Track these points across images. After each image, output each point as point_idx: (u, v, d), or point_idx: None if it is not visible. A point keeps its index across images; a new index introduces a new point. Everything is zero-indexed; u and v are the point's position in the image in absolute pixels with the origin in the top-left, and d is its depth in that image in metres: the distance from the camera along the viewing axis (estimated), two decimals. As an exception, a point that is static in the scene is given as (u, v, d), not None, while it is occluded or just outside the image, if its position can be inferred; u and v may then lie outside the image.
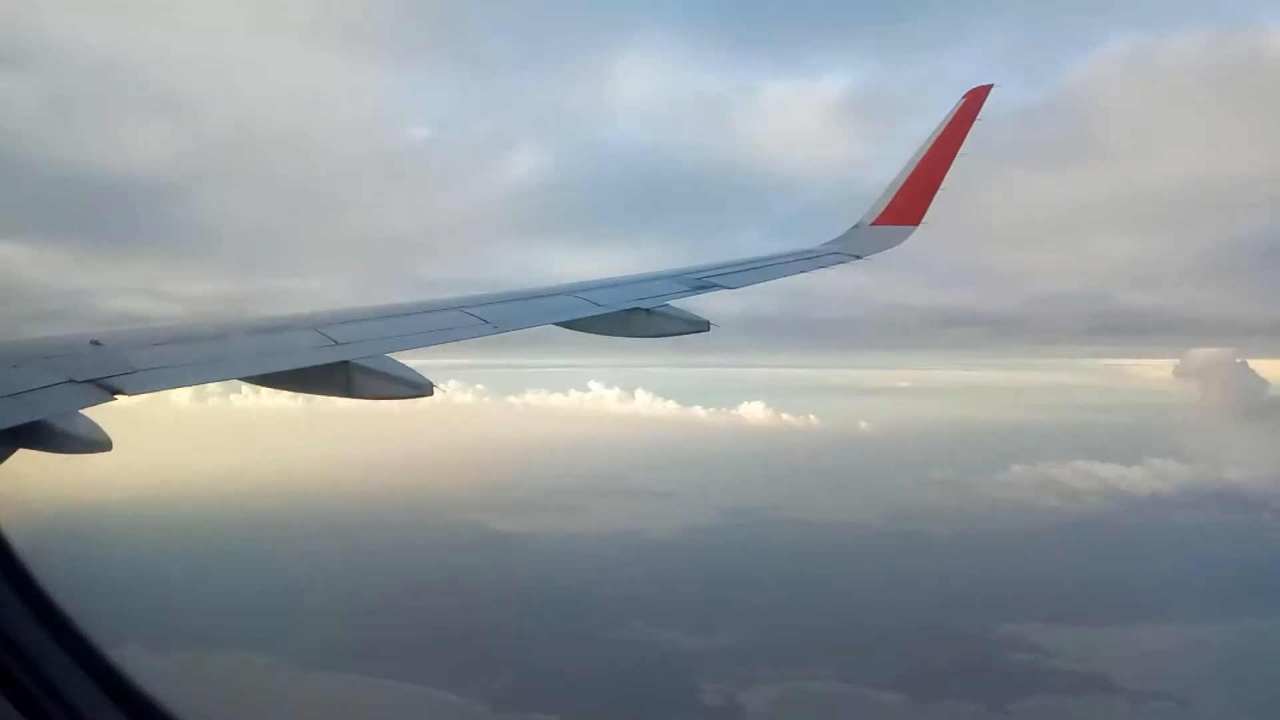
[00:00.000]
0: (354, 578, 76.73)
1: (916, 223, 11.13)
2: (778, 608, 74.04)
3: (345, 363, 6.02)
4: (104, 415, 5.61)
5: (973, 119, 10.95)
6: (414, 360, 6.25)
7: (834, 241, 11.14)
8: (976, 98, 11.09)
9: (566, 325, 7.61)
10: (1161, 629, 72.52)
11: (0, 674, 2.49)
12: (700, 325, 8.19)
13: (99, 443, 5.62)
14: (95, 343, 5.59)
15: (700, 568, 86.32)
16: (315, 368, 5.98)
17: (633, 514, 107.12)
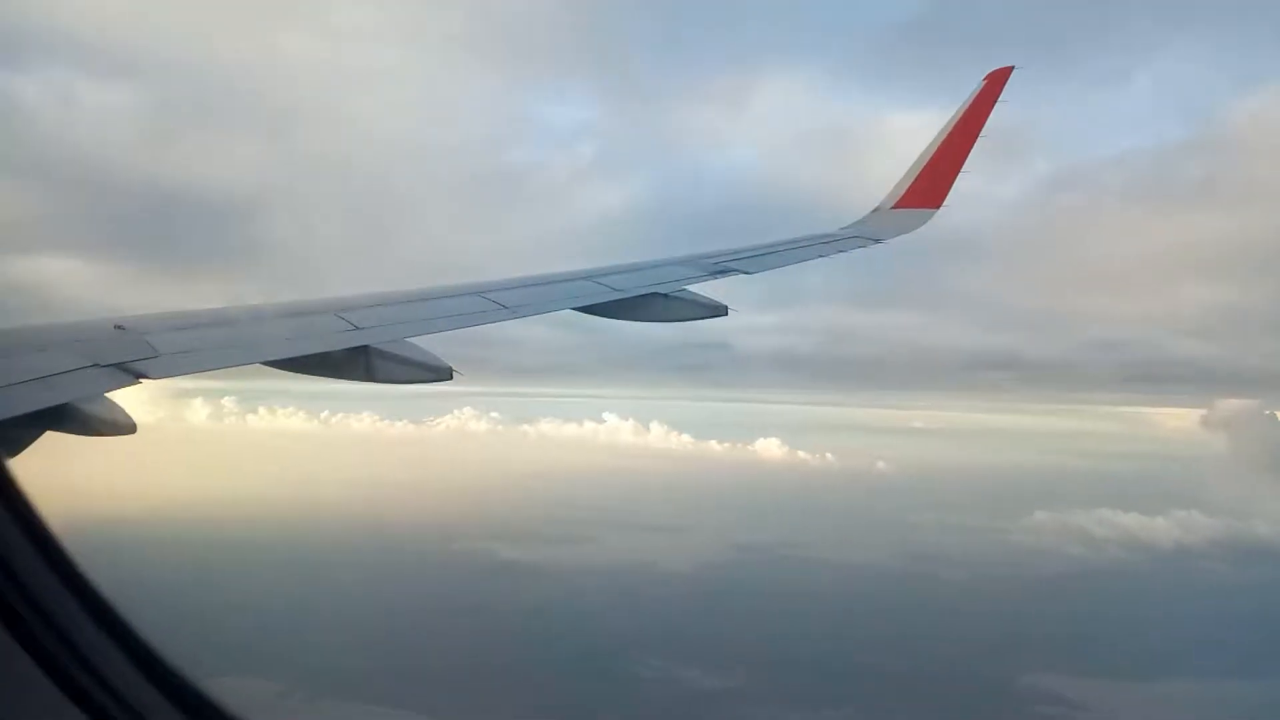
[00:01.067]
0: (364, 604, 76.38)
1: (938, 205, 11.01)
2: (795, 647, 72.83)
3: (366, 347, 6.06)
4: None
5: (994, 101, 10.84)
6: (434, 346, 6.25)
7: (854, 225, 11.03)
8: (998, 80, 10.99)
9: (585, 310, 7.59)
10: (1189, 684, 70.76)
11: (38, 648, 2.49)
12: (718, 310, 8.13)
13: (124, 425, 5.68)
14: (119, 327, 5.66)
15: (715, 604, 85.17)
16: (337, 352, 6.03)
17: (645, 547, 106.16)
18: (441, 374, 6.23)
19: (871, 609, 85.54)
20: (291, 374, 6.03)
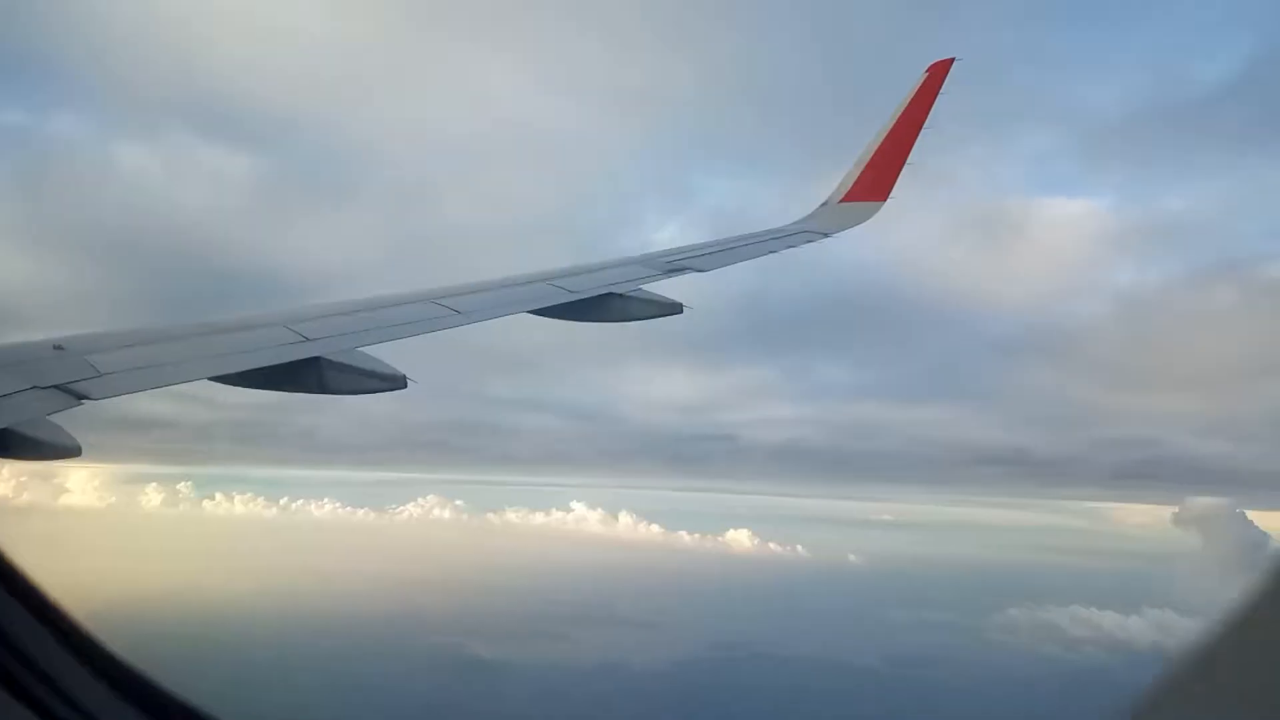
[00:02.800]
0: (327, 701, 73.46)
1: (884, 199, 11.05)
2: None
3: (317, 358, 5.94)
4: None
5: (936, 93, 10.93)
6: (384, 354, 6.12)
7: (802, 220, 11.03)
8: (939, 72, 11.08)
9: (540, 313, 7.53)
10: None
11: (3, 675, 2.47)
12: (673, 308, 8.12)
13: (68, 448, 5.49)
14: (59, 347, 5.50)
15: (695, 708, 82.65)
16: (286, 364, 5.88)
17: (617, 645, 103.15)
18: (395, 382, 6.12)
19: (854, 712, 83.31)
20: (242, 387, 5.87)
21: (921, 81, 11.12)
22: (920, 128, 10.92)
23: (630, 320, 7.99)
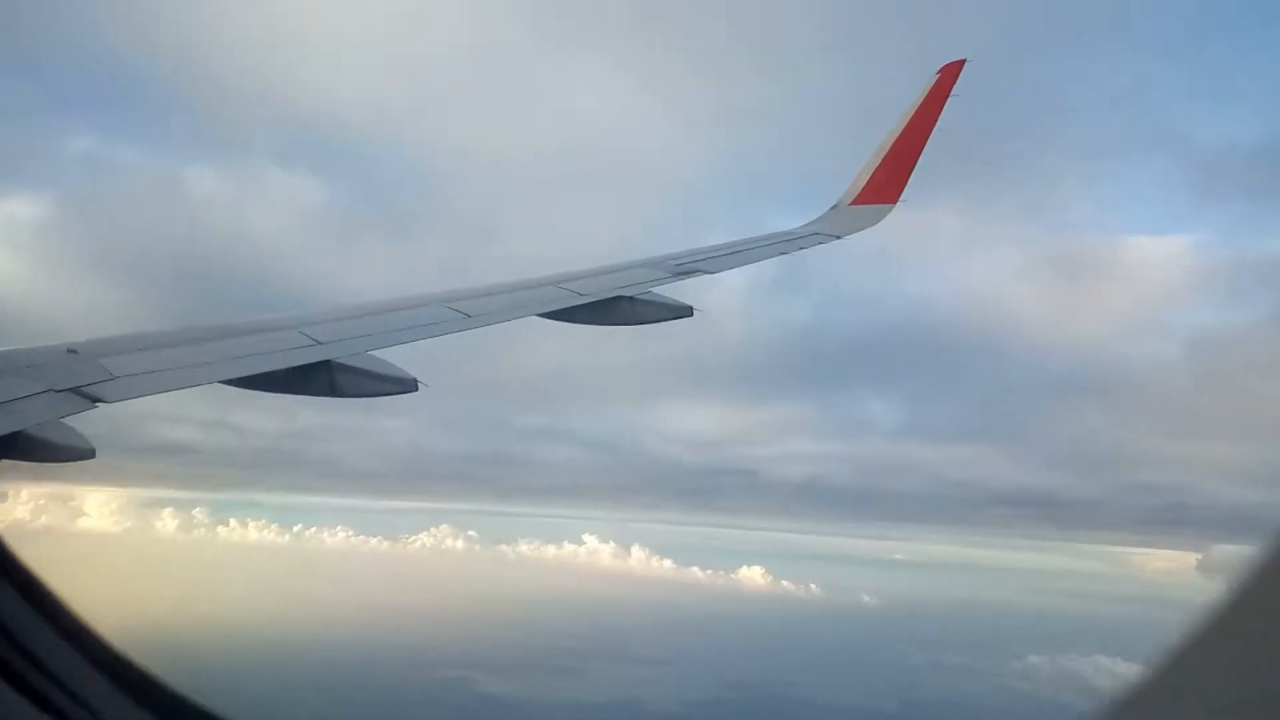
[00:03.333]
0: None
1: (894, 201, 11.05)
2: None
3: (328, 362, 6.00)
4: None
5: (947, 95, 10.95)
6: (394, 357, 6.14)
7: (813, 223, 11.04)
8: (950, 74, 11.09)
9: (550, 316, 7.56)
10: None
11: (11, 674, 2.51)
12: (683, 311, 8.13)
13: (82, 450, 5.62)
14: (73, 351, 5.58)
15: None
16: (298, 368, 5.95)
17: (630, 681, 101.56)
18: (407, 385, 6.17)
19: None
20: (252, 390, 5.91)
21: (933, 83, 11.14)
22: (931, 130, 10.96)
23: (640, 323, 8.00)
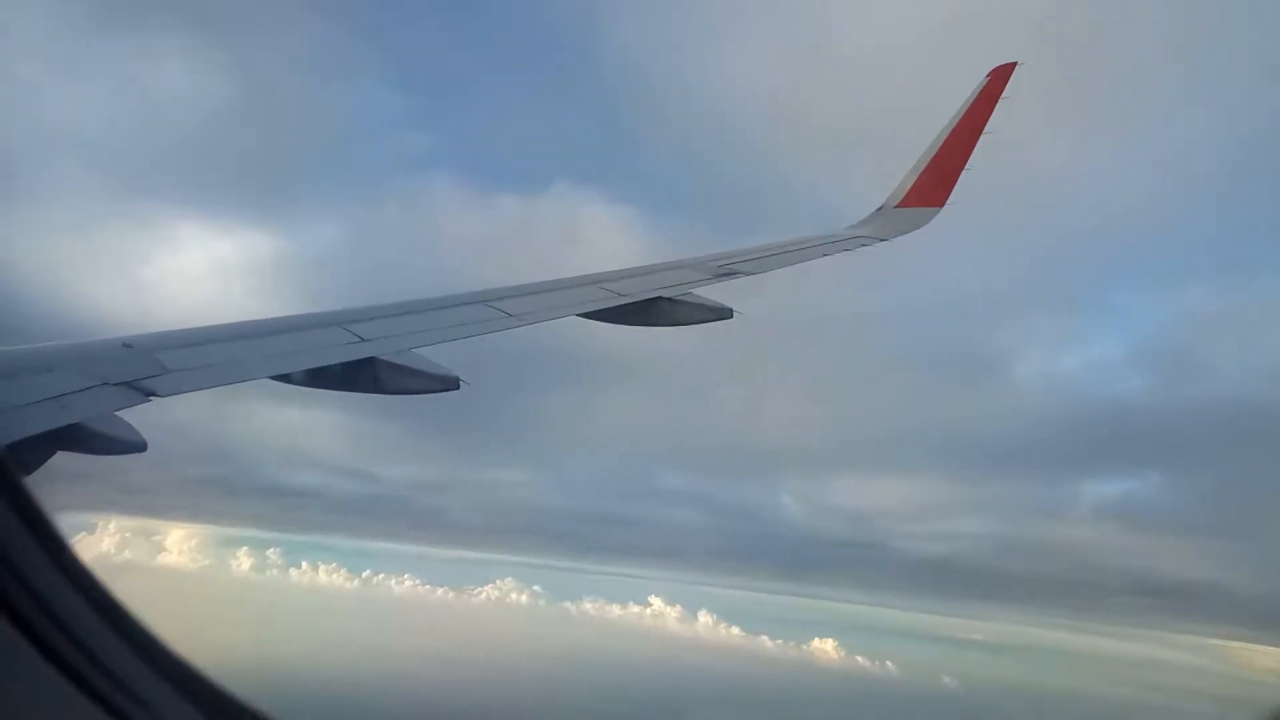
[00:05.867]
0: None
1: (941, 204, 11.01)
2: None
3: (372, 359, 6.08)
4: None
5: (997, 98, 10.88)
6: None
7: (858, 224, 11.02)
8: (1000, 76, 11.03)
9: (589, 316, 7.59)
10: None
11: (56, 656, 2.55)
12: (724, 313, 8.12)
13: (135, 444, 5.65)
14: (127, 345, 5.70)
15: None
16: (343, 364, 6.04)
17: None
18: (449, 384, 6.23)
19: None
20: (299, 387, 5.92)
21: (982, 86, 11.08)
22: (980, 133, 10.89)
23: (678, 325, 8.00)
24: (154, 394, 5.27)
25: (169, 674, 2.74)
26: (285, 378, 5.88)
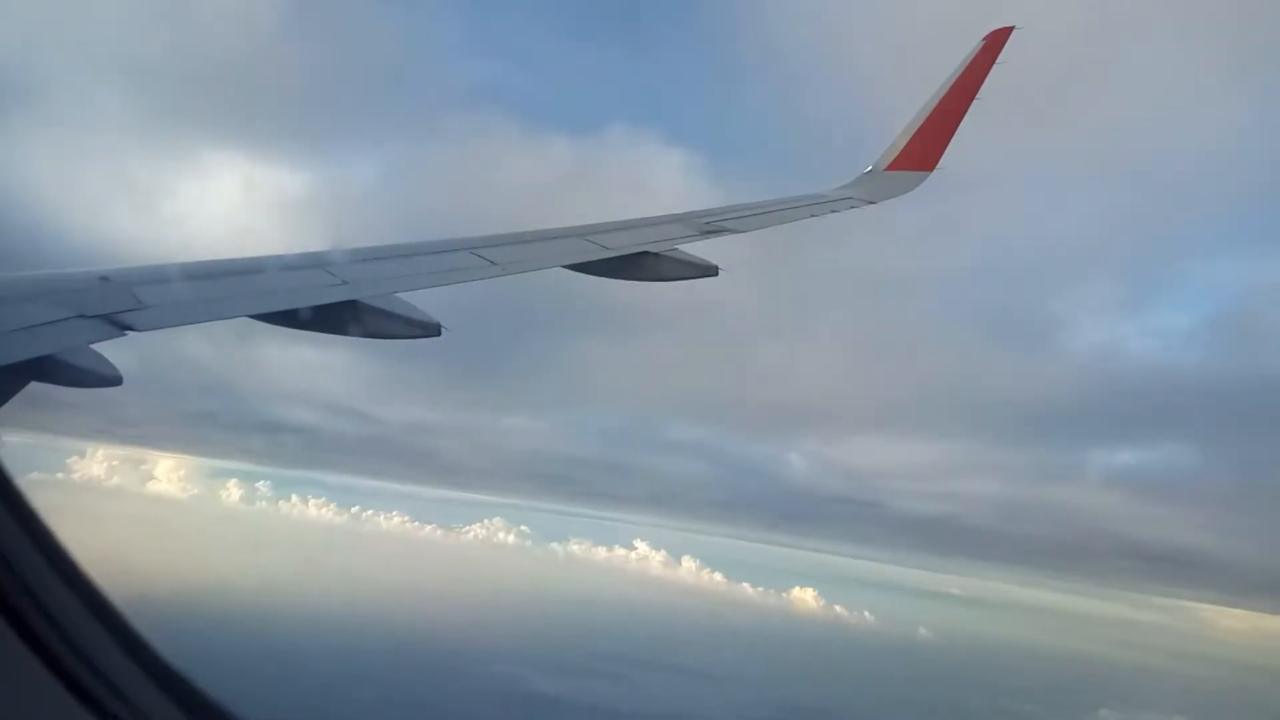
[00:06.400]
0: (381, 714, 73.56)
1: (932, 168, 10.86)
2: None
3: (354, 302, 6.02)
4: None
5: (993, 62, 10.72)
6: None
7: (847, 186, 10.87)
8: (997, 40, 10.86)
9: (574, 268, 7.54)
10: None
11: (39, 644, 2.53)
12: (709, 270, 8.08)
13: (109, 377, 5.63)
14: (105, 279, 5.61)
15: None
16: (324, 306, 5.96)
17: (683, 695, 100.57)
18: (430, 330, 6.22)
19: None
20: (279, 326, 5.87)
21: (978, 50, 10.90)
22: (973, 98, 10.72)
23: (663, 280, 7.94)
24: (130, 328, 5.19)
25: (153, 672, 2.70)
26: (265, 317, 5.80)
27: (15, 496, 2.70)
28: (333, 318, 5.94)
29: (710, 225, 8.81)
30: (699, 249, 8.18)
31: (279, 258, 6.49)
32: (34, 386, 5.11)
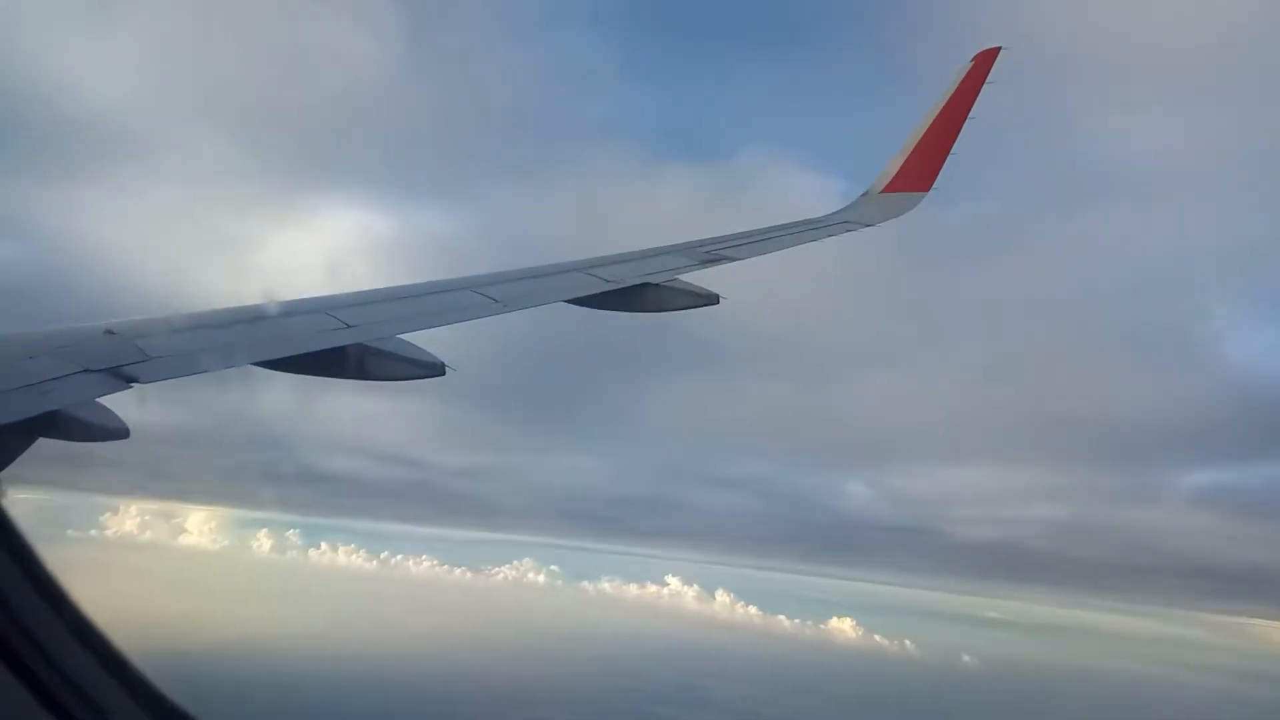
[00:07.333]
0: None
1: (927, 189, 10.90)
2: None
3: (359, 344, 6.03)
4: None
5: (982, 82, 10.78)
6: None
7: (843, 210, 10.92)
8: (985, 60, 10.91)
9: (576, 302, 7.55)
10: None
11: (12, 658, 2.52)
12: (710, 299, 8.08)
13: (116, 430, 5.62)
14: (109, 332, 5.66)
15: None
16: (328, 350, 5.97)
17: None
18: (434, 370, 6.18)
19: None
20: (283, 372, 5.84)
21: (967, 70, 10.95)
22: (965, 118, 10.78)
23: (665, 311, 7.94)
24: (135, 380, 5.22)
25: (133, 690, 2.70)
26: (268, 363, 5.80)
27: (24, 552, 2.69)
28: (337, 361, 5.94)
29: (710, 254, 8.82)
30: (699, 278, 8.14)
31: (284, 304, 6.50)
32: (42, 442, 5.09)
